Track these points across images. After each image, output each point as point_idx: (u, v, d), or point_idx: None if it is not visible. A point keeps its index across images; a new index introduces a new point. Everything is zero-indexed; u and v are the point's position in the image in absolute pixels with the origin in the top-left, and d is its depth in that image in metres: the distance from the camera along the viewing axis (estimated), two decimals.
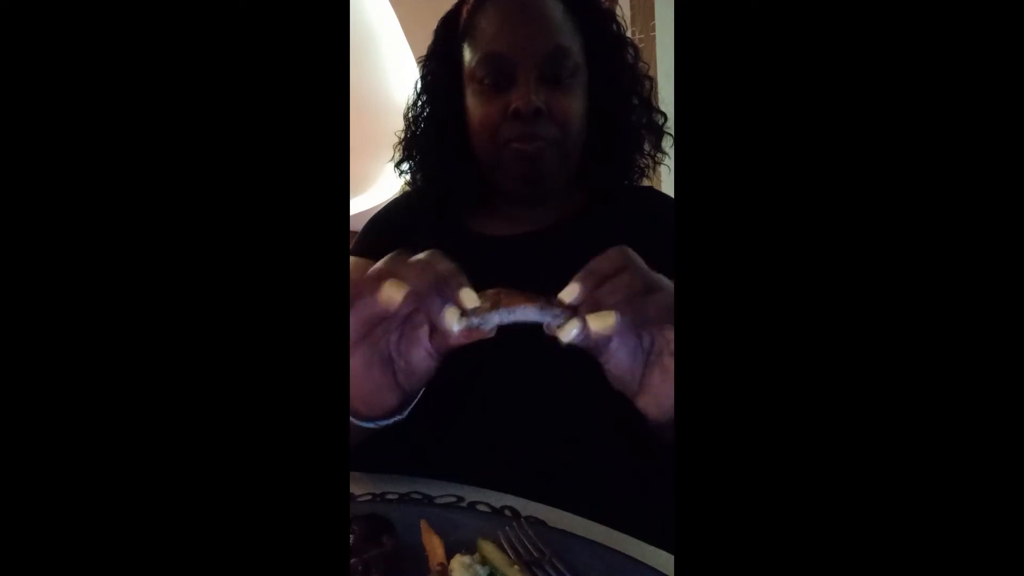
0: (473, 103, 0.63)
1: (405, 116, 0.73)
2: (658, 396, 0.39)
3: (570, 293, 0.36)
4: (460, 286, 0.36)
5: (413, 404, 0.44)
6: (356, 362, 0.39)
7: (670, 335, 0.38)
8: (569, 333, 0.36)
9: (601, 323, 0.35)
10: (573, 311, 0.36)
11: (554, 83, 0.60)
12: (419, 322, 0.39)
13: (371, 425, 0.43)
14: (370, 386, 0.41)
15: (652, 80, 0.71)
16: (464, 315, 0.36)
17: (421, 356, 0.40)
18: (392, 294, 0.35)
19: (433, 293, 0.36)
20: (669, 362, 0.38)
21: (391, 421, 0.44)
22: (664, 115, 0.71)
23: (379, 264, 0.38)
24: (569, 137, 0.62)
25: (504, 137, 0.61)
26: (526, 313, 0.36)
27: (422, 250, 0.70)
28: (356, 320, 0.37)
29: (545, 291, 0.38)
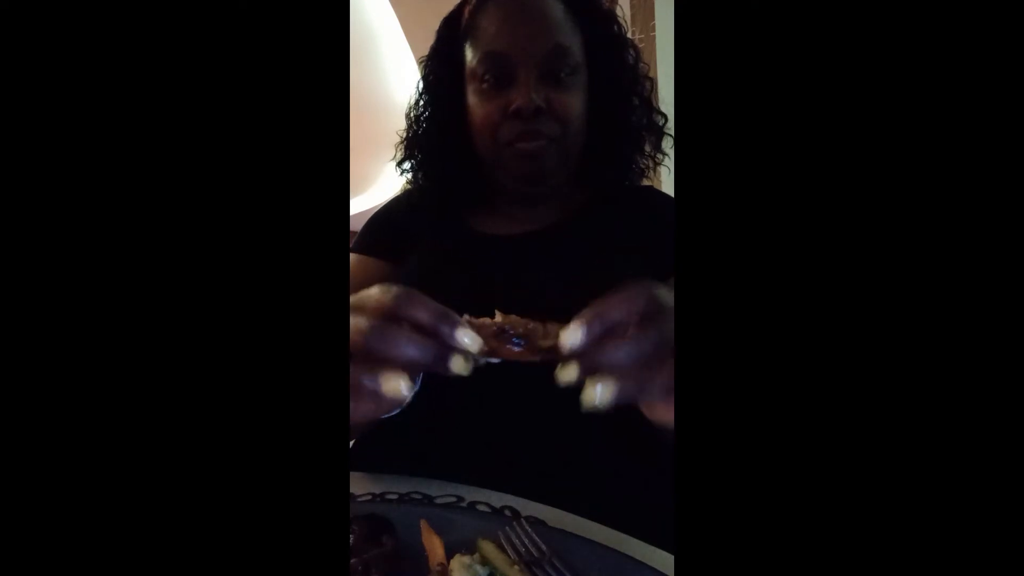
0: (474, 102, 0.63)
1: (407, 115, 0.73)
2: (657, 416, 0.35)
3: (571, 339, 0.31)
4: (456, 328, 0.32)
5: (418, 384, 0.44)
6: (360, 372, 0.37)
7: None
8: (565, 378, 0.32)
9: (600, 398, 0.30)
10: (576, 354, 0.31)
11: (554, 82, 0.60)
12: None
13: (384, 416, 0.43)
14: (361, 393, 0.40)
15: (652, 81, 0.71)
16: (468, 360, 0.33)
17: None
18: (396, 387, 0.32)
19: (430, 349, 0.32)
20: (670, 402, 0.32)
21: (402, 407, 0.43)
22: (664, 116, 0.71)
23: (358, 338, 0.32)
24: (569, 135, 0.62)
25: (505, 137, 0.61)
26: (525, 357, 0.33)
27: (423, 250, 0.69)
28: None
29: (550, 306, 0.35)
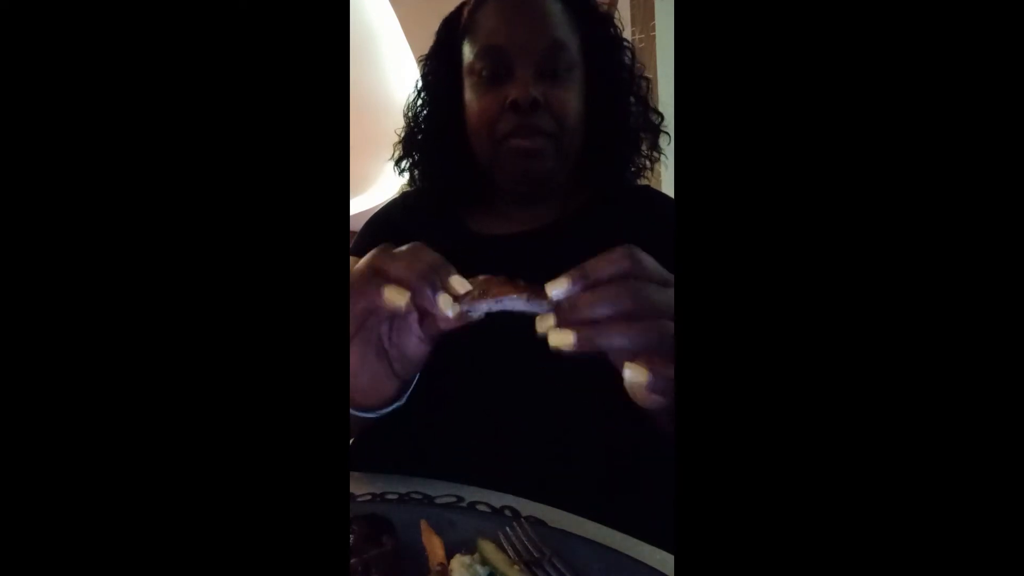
0: (471, 97, 0.63)
1: (405, 115, 0.73)
2: (630, 378, 0.36)
3: (556, 288, 0.34)
4: (449, 273, 0.37)
5: (410, 390, 0.45)
6: (353, 356, 0.40)
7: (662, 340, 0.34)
8: (543, 327, 0.35)
9: (559, 341, 0.34)
10: (556, 305, 0.35)
11: (551, 77, 0.61)
12: (408, 310, 0.39)
13: (372, 415, 0.43)
14: (369, 378, 0.41)
15: (649, 80, 0.71)
16: (456, 300, 0.36)
17: (413, 343, 0.41)
18: (395, 298, 0.36)
19: (424, 283, 0.36)
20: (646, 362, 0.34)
21: (392, 408, 0.44)
22: (661, 115, 0.71)
23: (367, 260, 0.38)
24: (566, 131, 0.62)
25: (502, 132, 0.61)
26: (513, 303, 0.36)
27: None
28: (351, 316, 0.39)
29: (537, 282, 0.37)
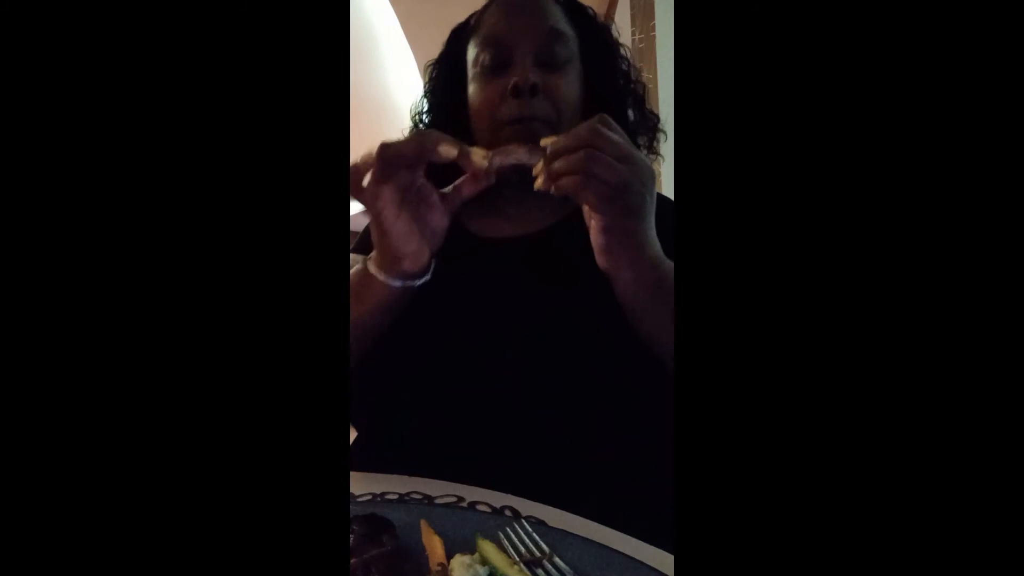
0: (474, 88, 0.65)
1: (412, 118, 0.76)
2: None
3: (550, 141, 0.47)
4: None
5: (431, 271, 0.54)
6: (400, 226, 0.50)
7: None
8: (536, 171, 0.48)
9: (539, 184, 0.47)
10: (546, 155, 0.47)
11: (550, 65, 0.63)
12: (428, 192, 0.52)
13: (414, 282, 0.53)
14: (411, 245, 0.51)
15: (646, 86, 0.73)
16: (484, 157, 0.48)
17: (438, 216, 0.53)
18: (449, 151, 0.47)
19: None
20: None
21: (424, 279, 0.54)
22: (657, 116, 0.73)
23: (408, 140, 0.50)
24: (563, 118, 0.63)
25: (501, 118, 0.62)
26: (518, 155, 0.49)
27: None
28: (396, 189, 0.50)
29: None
